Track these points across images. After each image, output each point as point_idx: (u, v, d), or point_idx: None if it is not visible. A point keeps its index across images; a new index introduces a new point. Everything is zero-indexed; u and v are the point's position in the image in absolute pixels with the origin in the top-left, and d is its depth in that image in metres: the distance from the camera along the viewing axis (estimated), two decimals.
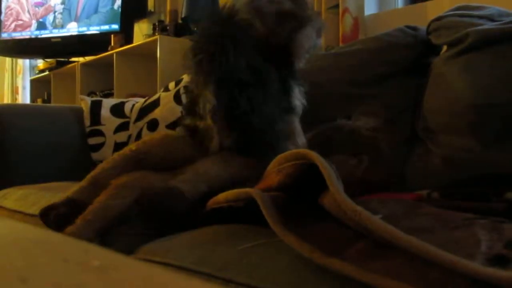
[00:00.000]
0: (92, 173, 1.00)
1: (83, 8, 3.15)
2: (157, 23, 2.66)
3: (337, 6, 1.91)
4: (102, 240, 0.87)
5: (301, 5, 1.06)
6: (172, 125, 1.59)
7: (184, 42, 2.42)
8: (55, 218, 0.89)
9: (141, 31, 3.10)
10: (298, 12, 1.05)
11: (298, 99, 1.06)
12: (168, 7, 2.74)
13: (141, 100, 1.79)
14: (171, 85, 1.74)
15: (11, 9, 3.41)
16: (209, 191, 0.91)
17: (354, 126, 1.12)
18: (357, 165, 1.01)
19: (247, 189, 0.76)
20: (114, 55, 2.67)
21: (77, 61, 3.07)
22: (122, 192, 0.89)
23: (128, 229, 0.90)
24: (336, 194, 0.60)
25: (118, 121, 1.74)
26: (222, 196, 0.82)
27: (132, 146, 1.05)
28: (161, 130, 1.60)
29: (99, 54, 2.83)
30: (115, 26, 2.97)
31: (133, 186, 0.90)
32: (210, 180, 0.93)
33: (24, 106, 2.61)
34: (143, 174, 0.95)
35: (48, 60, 3.38)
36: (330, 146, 1.07)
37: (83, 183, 0.98)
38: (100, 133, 1.74)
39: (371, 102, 1.33)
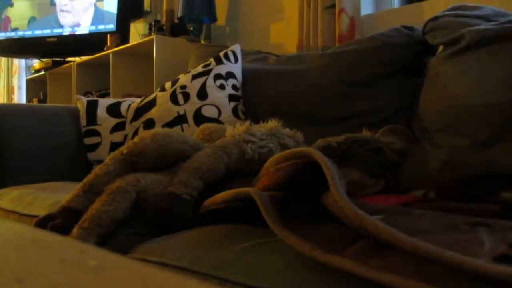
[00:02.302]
0: (85, 180, 0.99)
1: (80, 8, 3.14)
2: (153, 23, 2.66)
3: (333, 6, 1.91)
4: (98, 240, 0.87)
5: None
6: (168, 125, 1.59)
7: (181, 42, 2.43)
8: (52, 228, 0.89)
9: (137, 31, 3.10)
10: None
11: None
12: (164, 7, 2.74)
13: (137, 100, 1.79)
14: (167, 85, 1.73)
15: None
16: (204, 184, 0.92)
17: (382, 145, 1.08)
18: (372, 186, 1.00)
19: (246, 189, 0.75)
20: (110, 55, 2.67)
21: (73, 61, 3.07)
22: (116, 198, 0.89)
23: (124, 229, 0.90)
24: (338, 199, 0.60)
25: (114, 121, 1.74)
26: (219, 197, 0.82)
27: (124, 149, 1.03)
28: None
29: (95, 54, 2.82)
30: (111, 26, 2.96)
31: (127, 191, 0.90)
32: (203, 175, 0.93)
33: (20, 106, 2.60)
34: (136, 177, 0.94)
35: (44, 60, 3.37)
36: (349, 157, 1.04)
37: (77, 191, 0.97)
38: (96, 133, 1.74)
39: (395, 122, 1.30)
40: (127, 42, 2.79)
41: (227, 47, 1.82)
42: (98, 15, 3.08)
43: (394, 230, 0.52)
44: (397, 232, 0.51)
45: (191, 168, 0.94)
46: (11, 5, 3.41)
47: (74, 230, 0.85)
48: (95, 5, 3.10)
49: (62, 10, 3.18)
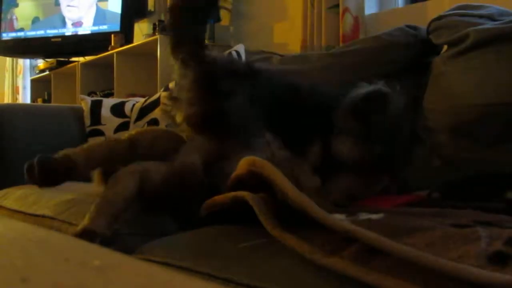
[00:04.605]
0: (86, 145, 1.14)
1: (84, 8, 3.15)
2: (157, 23, 2.66)
3: (337, 5, 1.90)
4: (102, 239, 0.86)
5: None
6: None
7: None
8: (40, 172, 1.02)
9: (141, 31, 3.10)
10: None
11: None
12: None
13: (141, 100, 1.79)
14: (172, 85, 1.74)
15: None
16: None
17: None
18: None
19: (242, 193, 0.74)
20: (114, 55, 2.67)
21: (78, 61, 3.07)
22: (121, 179, 0.90)
23: (128, 229, 0.90)
24: (324, 221, 0.59)
25: (119, 121, 1.74)
26: (219, 200, 0.81)
27: (124, 135, 1.18)
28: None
29: (99, 54, 2.83)
30: (116, 26, 2.97)
31: (132, 172, 0.91)
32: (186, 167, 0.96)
33: (24, 106, 2.61)
34: (137, 163, 0.96)
35: (49, 60, 3.38)
36: None
37: (80, 148, 1.11)
38: (100, 133, 1.74)
39: None
40: (131, 42, 2.80)
41: (231, 47, 1.82)
42: (100, 15, 3.09)
43: (385, 239, 0.51)
44: (391, 242, 0.51)
45: (190, 145, 0.98)
46: (16, 5, 3.42)
47: (87, 215, 0.85)
48: (97, 5, 3.11)
49: (68, 5, 3.19)
